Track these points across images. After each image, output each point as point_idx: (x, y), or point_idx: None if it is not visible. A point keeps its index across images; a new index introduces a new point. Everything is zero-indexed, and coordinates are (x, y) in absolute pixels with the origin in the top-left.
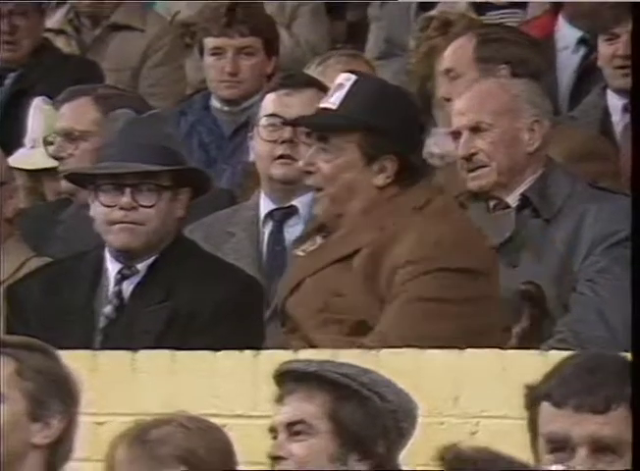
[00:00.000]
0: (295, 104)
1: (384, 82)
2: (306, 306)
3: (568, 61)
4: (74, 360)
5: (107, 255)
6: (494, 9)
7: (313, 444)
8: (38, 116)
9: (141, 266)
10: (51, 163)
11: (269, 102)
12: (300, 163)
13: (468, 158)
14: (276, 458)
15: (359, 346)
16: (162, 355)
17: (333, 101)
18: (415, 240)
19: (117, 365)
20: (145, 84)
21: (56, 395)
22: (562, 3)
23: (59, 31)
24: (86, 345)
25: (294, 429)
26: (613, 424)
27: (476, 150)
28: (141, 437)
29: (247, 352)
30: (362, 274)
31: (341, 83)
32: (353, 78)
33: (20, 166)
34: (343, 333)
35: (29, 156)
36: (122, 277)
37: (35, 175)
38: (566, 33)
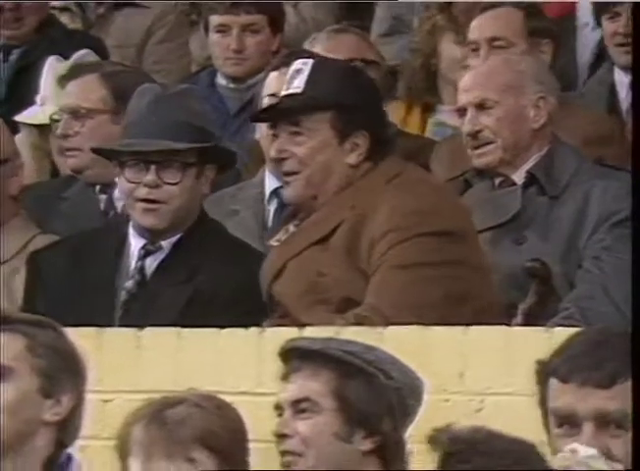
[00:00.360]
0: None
1: (341, 62)
2: (291, 290)
3: (588, 38)
4: (79, 337)
5: (130, 230)
6: None
7: (318, 422)
8: (51, 74)
9: (165, 243)
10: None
11: (271, 81)
12: (272, 152)
13: (474, 135)
14: (281, 436)
15: (354, 323)
16: (167, 333)
17: (296, 85)
18: (390, 210)
19: (123, 343)
20: (150, 61)
21: (66, 372)
22: None
23: (63, 9)
24: (107, 319)
25: (300, 407)
26: (617, 398)
27: (482, 127)
28: (158, 417)
29: (252, 329)
30: (342, 250)
31: (299, 69)
32: (311, 61)
33: (28, 121)
34: (330, 311)
35: (39, 112)
36: (146, 252)
37: (43, 131)
38: (587, 10)
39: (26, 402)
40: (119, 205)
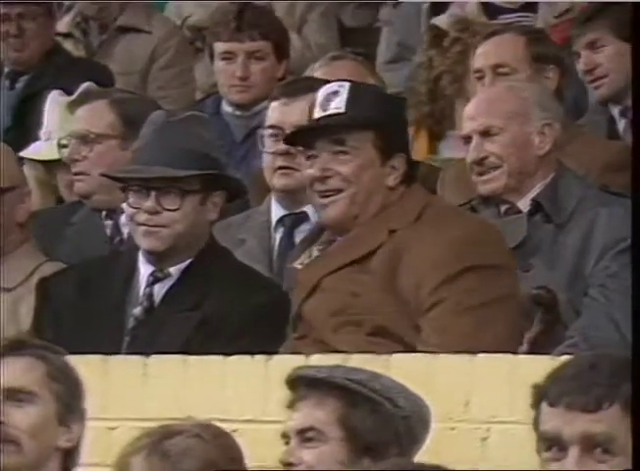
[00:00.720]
0: (293, 113)
1: (374, 86)
2: (324, 307)
3: None
4: (85, 365)
5: (140, 257)
6: (506, 12)
7: (324, 451)
8: (54, 109)
9: (174, 270)
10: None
11: (271, 112)
12: (314, 171)
13: (479, 162)
14: (287, 464)
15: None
16: (174, 360)
17: (336, 106)
18: (435, 241)
19: (128, 370)
20: (154, 87)
21: (76, 399)
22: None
23: (67, 35)
24: (115, 346)
25: (306, 435)
26: (604, 422)
27: (487, 154)
28: (159, 449)
29: (259, 357)
30: (381, 275)
31: (335, 91)
32: (347, 83)
33: (34, 157)
34: (359, 333)
35: (44, 148)
36: (154, 279)
37: (49, 167)
38: None
39: (47, 427)
40: (125, 231)
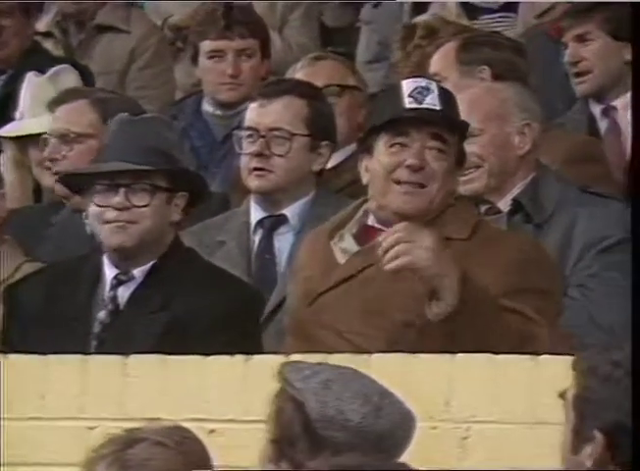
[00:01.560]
0: (268, 114)
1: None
2: (357, 304)
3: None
4: (65, 365)
5: (105, 260)
6: (486, 12)
7: None
8: (28, 88)
9: (137, 272)
10: (37, 129)
11: (248, 113)
12: (410, 157)
13: None
14: None
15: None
16: (153, 360)
17: (431, 102)
18: (492, 262)
19: (108, 370)
20: (133, 87)
21: None
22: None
23: (47, 34)
24: (83, 350)
25: None
26: None
27: (468, 153)
28: (120, 459)
29: (238, 357)
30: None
31: (426, 87)
32: (433, 82)
33: (7, 134)
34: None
35: (17, 126)
36: (118, 282)
37: (22, 144)
38: None
39: None
40: None
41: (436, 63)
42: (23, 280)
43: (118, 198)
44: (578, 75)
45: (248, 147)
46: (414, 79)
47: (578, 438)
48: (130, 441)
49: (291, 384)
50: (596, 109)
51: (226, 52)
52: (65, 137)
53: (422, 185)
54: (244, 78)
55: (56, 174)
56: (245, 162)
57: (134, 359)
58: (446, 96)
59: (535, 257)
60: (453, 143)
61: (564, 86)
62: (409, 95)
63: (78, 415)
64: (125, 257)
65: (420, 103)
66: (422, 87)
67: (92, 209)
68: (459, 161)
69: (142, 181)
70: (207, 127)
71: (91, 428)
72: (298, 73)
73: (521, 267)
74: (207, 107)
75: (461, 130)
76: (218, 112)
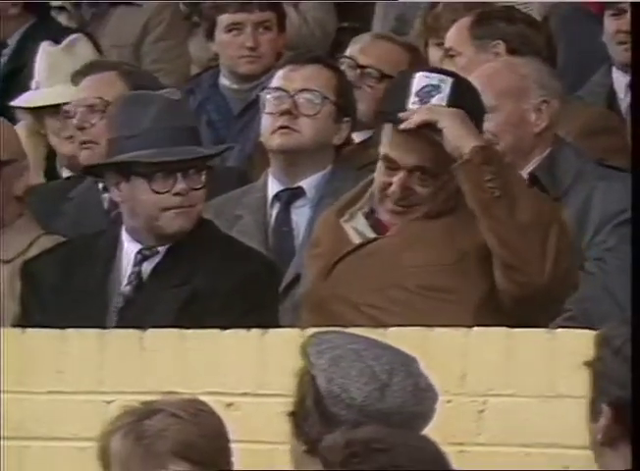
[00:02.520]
0: (299, 78)
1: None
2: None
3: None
4: (82, 339)
5: (124, 235)
6: None
7: None
8: (44, 58)
9: (161, 247)
10: (56, 99)
11: (275, 78)
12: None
13: None
14: None
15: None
16: (170, 334)
17: (437, 103)
18: None
19: (125, 344)
20: (148, 60)
21: None
22: None
23: (61, 8)
24: (100, 325)
25: None
26: None
27: (483, 130)
28: (135, 430)
29: (254, 331)
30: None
31: (435, 85)
32: (450, 79)
33: (24, 105)
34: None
35: (34, 96)
36: (142, 257)
37: (38, 115)
38: None
39: None
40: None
41: (450, 38)
42: (39, 256)
43: (180, 185)
44: (622, 43)
45: (272, 108)
46: (428, 74)
47: (593, 409)
48: (145, 412)
49: (308, 357)
50: (622, 79)
51: (244, 25)
52: (94, 107)
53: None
54: (263, 51)
55: (84, 143)
56: (270, 121)
57: (152, 333)
58: (458, 95)
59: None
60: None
61: (594, 62)
62: (416, 93)
63: (96, 389)
64: (169, 238)
65: (424, 103)
66: (432, 86)
67: (146, 195)
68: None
69: (195, 163)
70: (224, 101)
71: (109, 402)
72: (354, 47)
73: None
74: (224, 81)
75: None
76: (235, 85)
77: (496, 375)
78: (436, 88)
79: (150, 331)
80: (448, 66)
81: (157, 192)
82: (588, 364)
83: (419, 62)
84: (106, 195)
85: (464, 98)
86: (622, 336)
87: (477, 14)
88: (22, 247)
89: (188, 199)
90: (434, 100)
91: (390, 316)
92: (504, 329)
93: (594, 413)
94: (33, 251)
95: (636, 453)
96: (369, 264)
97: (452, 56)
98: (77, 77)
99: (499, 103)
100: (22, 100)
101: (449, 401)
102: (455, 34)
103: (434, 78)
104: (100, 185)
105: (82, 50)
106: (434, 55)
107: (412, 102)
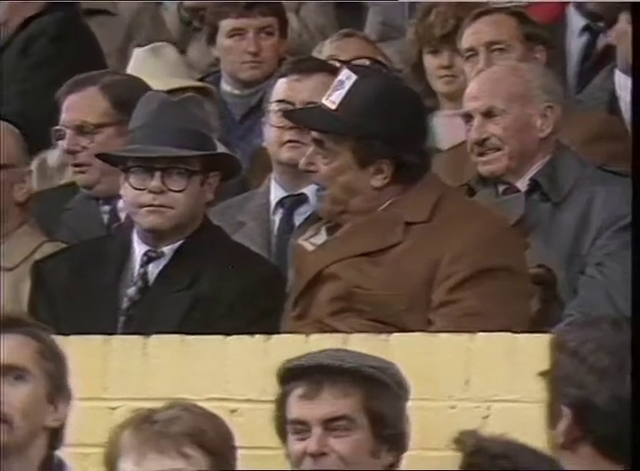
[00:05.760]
0: (304, 89)
1: (385, 82)
2: (325, 294)
3: (576, 44)
4: (85, 345)
5: (135, 237)
6: None
7: (355, 441)
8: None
9: (167, 249)
10: None
11: (279, 87)
12: (301, 162)
13: (480, 142)
14: (318, 455)
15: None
16: (173, 340)
17: (333, 100)
18: (454, 239)
19: (129, 350)
20: None
21: (65, 378)
22: None
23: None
24: (111, 327)
25: (334, 424)
26: None
27: (488, 135)
28: (148, 419)
29: (258, 337)
30: (393, 270)
31: (341, 80)
32: (354, 77)
33: None
34: (361, 319)
35: None
36: (148, 259)
37: None
38: (574, 18)
39: (37, 406)
40: (123, 216)
41: (496, 31)
42: (50, 257)
43: (154, 182)
44: None
45: (280, 121)
46: (342, 72)
47: (551, 414)
48: (158, 408)
49: (384, 372)
50: (627, 83)
51: (247, 30)
52: (81, 129)
53: (323, 188)
54: (265, 57)
55: (75, 166)
56: (277, 134)
57: (155, 339)
58: (357, 92)
59: (499, 233)
60: (345, 146)
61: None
62: (332, 88)
63: (99, 395)
64: (157, 237)
65: (327, 99)
66: (339, 81)
67: (128, 191)
68: (364, 161)
69: (179, 165)
70: (225, 107)
71: (114, 408)
72: (325, 48)
73: (486, 243)
74: (226, 86)
75: (360, 133)
76: (237, 91)
77: (499, 380)
78: (340, 84)
79: (154, 337)
80: (497, 60)
81: (134, 188)
82: (543, 374)
83: (376, 49)
84: (105, 207)
85: (358, 93)
86: (578, 338)
87: (511, 10)
88: (24, 255)
89: (164, 199)
90: (335, 94)
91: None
92: (507, 334)
93: (553, 417)
94: (37, 258)
95: (636, 453)
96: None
97: (499, 49)
98: (61, 95)
99: (506, 107)
100: None
101: (452, 407)
102: (503, 29)
103: (344, 74)
104: (100, 201)
105: (170, 54)
106: (429, 63)
107: (326, 96)
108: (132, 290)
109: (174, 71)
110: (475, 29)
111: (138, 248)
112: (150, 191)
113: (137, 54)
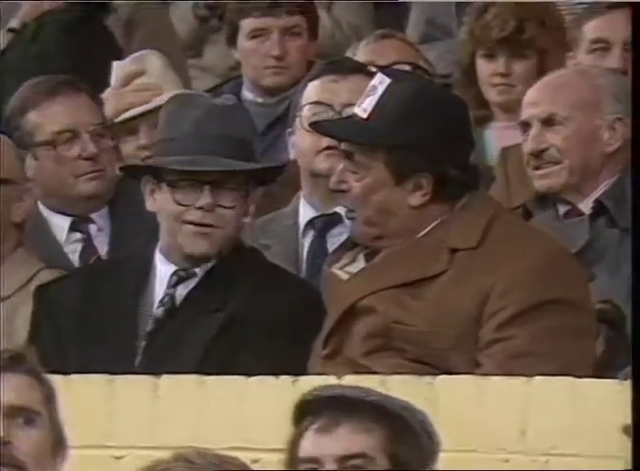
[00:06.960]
0: (343, 91)
1: (423, 85)
2: (360, 329)
3: None
4: (89, 385)
5: (158, 256)
6: None
7: None
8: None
9: (199, 269)
10: None
11: (312, 89)
12: (332, 180)
13: (537, 154)
14: None
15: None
16: (187, 381)
17: (364, 107)
18: (506, 268)
19: (137, 392)
20: None
21: (62, 427)
22: None
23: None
24: (129, 355)
25: (351, 463)
26: None
27: (547, 145)
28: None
29: (284, 377)
30: (437, 305)
31: (374, 86)
32: (387, 81)
33: None
34: (399, 359)
35: None
36: (178, 279)
37: None
38: None
39: (46, 453)
40: (100, 247)
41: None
42: (56, 281)
43: (205, 199)
44: None
45: None
46: (376, 77)
47: None
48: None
49: (412, 413)
50: None
51: (270, 31)
52: (77, 135)
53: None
54: (291, 61)
55: (92, 172)
56: (312, 142)
57: (168, 379)
58: (390, 98)
59: (559, 261)
60: (377, 159)
61: None
62: (365, 94)
63: (103, 443)
64: (196, 259)
65: (358, 107)
66: (372, 86)
67: (167, 205)
68: (400, 175)
69: (230, 178)
70: None
71: (118, 457)
72: (360, 50)
73: (544, 272)
74: (247, 94)
75: (392, 144)
76: (259, 99)
77: (559, 431)
78: (373, 89)
79: (166, 377)
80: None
81: (179, 203)
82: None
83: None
84: (76, 235)
85: (392, 99)
86: None
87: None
88: (20, 282)
89: (213, 218)
90: (367, 101)
91: None
92: (569, 378)
93: None
94: (33, 287)
95: (636, 453)
96: None
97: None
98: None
99: (569, 115)
100: None
101: (506, 461)
102: (611, 24)
103: (377, 78)
104: (66, 223)
105: (153, 65)
106: (482, 69)
107: (359, 103)
108: (159, 311)
109: (158, 83)
110: (609, 23)
111: (165, 268)
112: (200, 208)
113: (117, 68)
